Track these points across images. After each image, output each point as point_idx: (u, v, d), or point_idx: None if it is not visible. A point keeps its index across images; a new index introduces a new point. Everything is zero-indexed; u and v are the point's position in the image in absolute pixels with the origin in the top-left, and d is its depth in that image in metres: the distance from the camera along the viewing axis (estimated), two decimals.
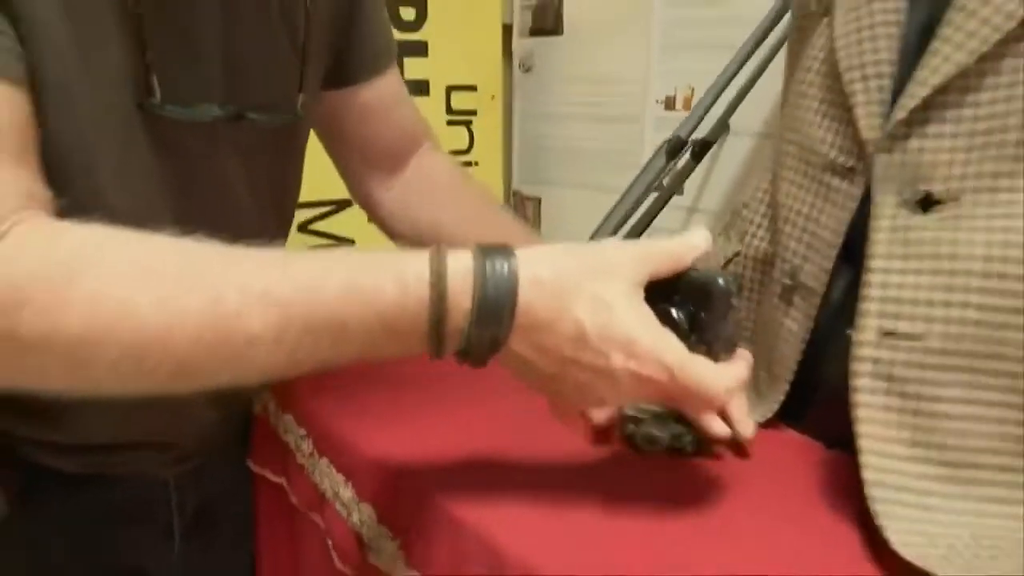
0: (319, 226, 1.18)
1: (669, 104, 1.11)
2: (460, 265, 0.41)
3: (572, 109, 1.28)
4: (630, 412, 0.57)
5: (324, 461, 0.66)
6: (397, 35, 1.20)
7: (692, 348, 0.43)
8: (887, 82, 0.52)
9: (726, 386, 0.43)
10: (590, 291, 0.41)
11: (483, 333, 0.41)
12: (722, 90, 0.89)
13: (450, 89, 1.26)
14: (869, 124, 0.52)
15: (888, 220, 0.48)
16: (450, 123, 1.26)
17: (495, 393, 0.63)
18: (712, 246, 0.46)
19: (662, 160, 0.91)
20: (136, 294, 0.39)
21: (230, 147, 0.60)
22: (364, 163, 0.78)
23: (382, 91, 0.75)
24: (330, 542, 0.64)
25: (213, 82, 0.57)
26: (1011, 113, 0.46)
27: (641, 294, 0.43)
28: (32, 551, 0.62)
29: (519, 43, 1.36)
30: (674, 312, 0.44)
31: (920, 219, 0.48)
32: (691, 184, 1.05)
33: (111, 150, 0.52)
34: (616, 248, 0.44)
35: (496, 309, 0.40)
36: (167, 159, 0.56)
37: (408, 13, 1.21)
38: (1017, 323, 0.44)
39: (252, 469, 0.76)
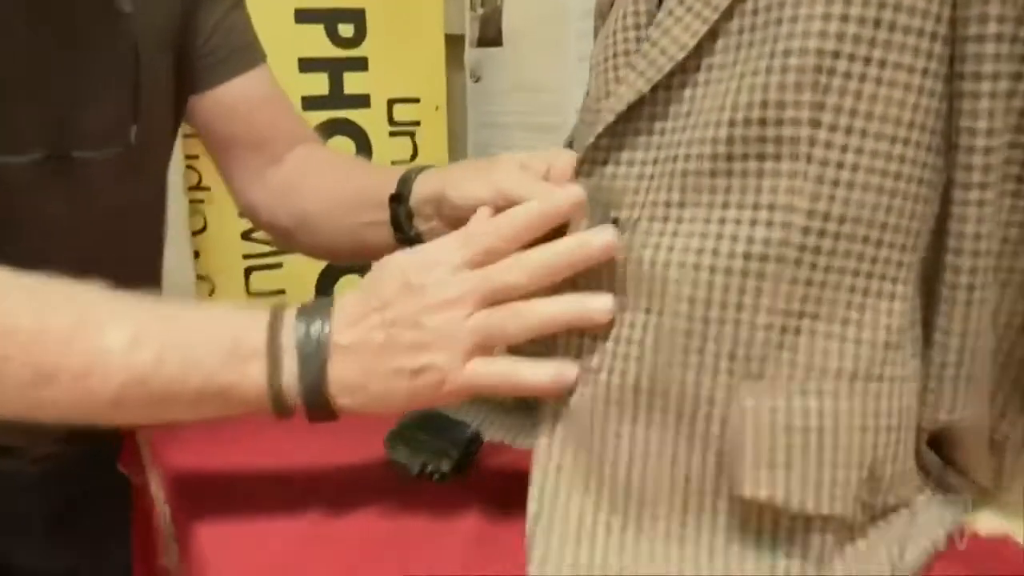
0: (261, 234, 1.24)
1: None
2: (287, 353, 0.45)
3: (512, 118, 1.30)
4: (395, 429, 0.59)
5: (155, 468, 0.71)
6: (336, 52, 1.25)
7: None
8: None
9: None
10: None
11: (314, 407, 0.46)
12: None
13: (392, 102, 1.29)
14: None
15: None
16: (392, 134, 1.30)
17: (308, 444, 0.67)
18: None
19: None
20: (16, 308, 0.44)
21: (59, 186, 0.64)
22: (237, 163, 0.78)
23: (244, 91, 0.76)
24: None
25: (30, 128, 0.61)
26: (680, 143, 0.45)
27: None
28: None
29: (470, 53, 1.38)
30: None
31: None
32: None
33: None
34: None
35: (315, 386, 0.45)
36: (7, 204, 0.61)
37: (347, 30, 1.25)
38: (678, 360, 0.44)
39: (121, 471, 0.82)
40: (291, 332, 0.45)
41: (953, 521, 0.49)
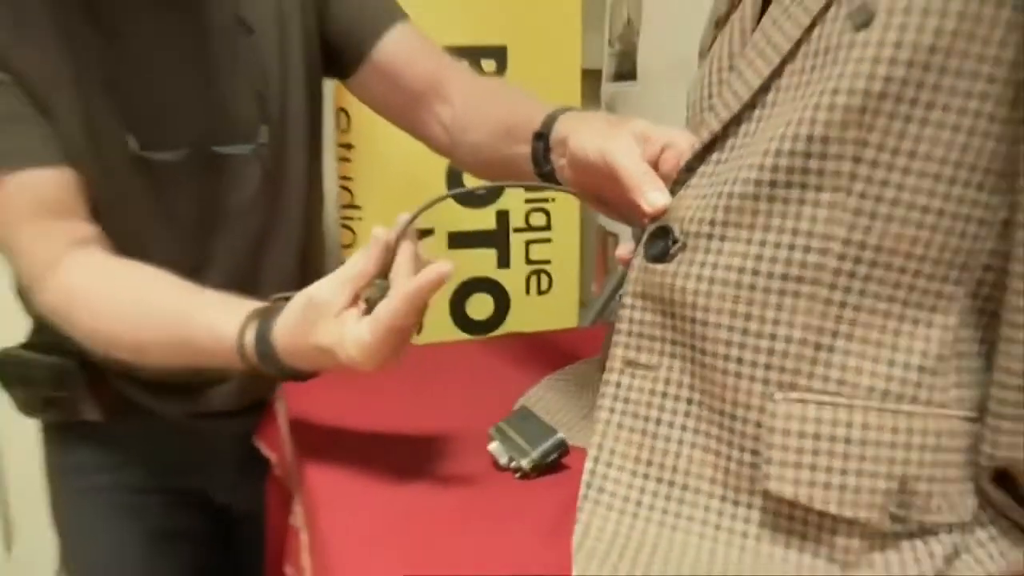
0: None
1: None
2: (252, 333, 0.60)
3: None
4: (499, 424, 0.67)
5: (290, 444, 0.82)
6: None
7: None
8: None
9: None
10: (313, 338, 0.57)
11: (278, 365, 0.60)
12: None
13: None
14: None
15: (639, 259, 0.54)
16: None
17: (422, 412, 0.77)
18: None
19: None
20: (101, 315, 0.68)
21: (220, 177, 0.80)
22: (414, 113, 0.86)
23: (395, 47, 0.85)
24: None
25: (181, 127, 0.76)
26: (733, 169, 0.50)
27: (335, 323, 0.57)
28: (116, 468, 0.89)
29: (606, 87, 1.46)
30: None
31: (657, 267, 0.53)
32: None
33: (110, 188, 0.73)
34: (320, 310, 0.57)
35: (271, 357, 0.60)
36: (165, 194, 0.77)
37: (488, 64, 1.36)
38: (719, 366, 0.49)
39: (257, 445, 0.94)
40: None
41: (1016, 557, 0.50)
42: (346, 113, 1.27)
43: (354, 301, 0.56)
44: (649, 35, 1.32)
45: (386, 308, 0.54)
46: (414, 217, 0.59)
